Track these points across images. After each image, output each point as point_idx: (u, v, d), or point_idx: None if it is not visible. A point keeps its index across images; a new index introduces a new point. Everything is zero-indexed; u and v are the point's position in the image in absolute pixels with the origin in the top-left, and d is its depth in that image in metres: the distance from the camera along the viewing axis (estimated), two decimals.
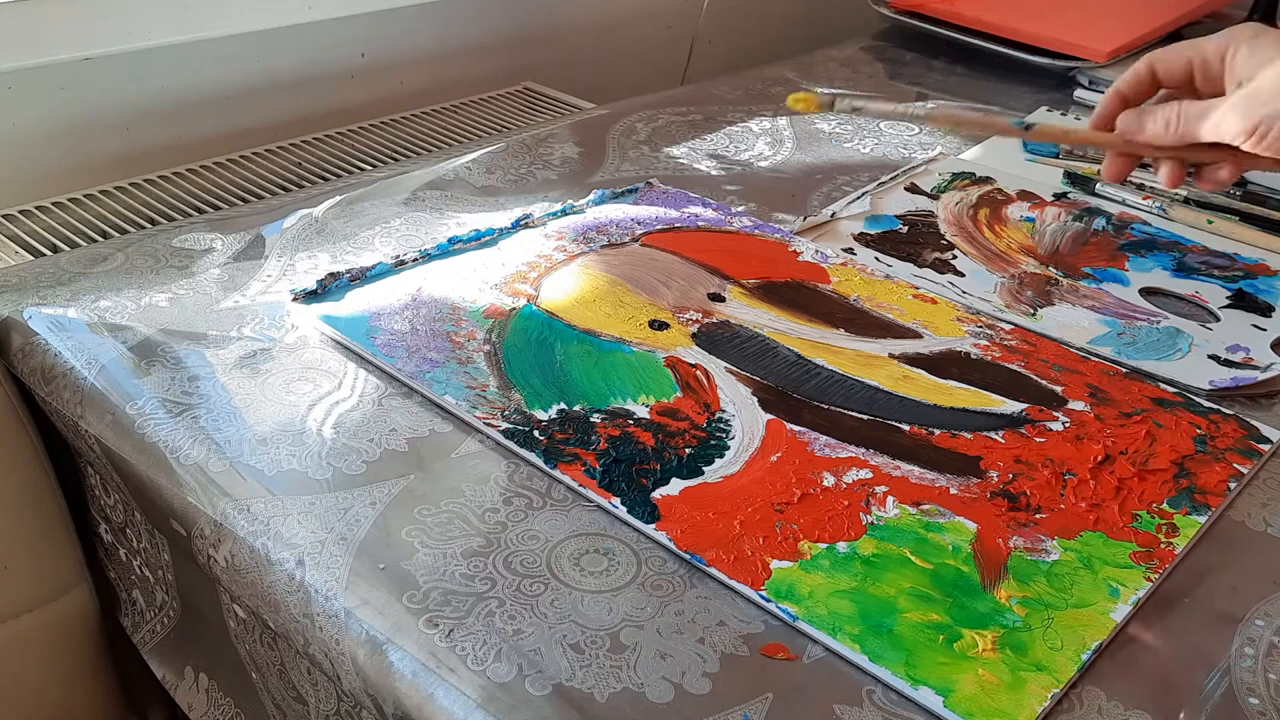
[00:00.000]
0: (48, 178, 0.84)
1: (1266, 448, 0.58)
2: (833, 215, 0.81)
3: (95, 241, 0.76)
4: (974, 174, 0.89)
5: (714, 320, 0.66)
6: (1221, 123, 0.54)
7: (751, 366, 0.62)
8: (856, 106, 0.62)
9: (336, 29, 0.99)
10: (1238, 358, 0.67)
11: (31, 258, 0.73)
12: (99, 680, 0.72)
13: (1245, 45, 0.54)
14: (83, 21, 0.84)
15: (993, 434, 0.58)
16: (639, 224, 0.77)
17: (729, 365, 0.62)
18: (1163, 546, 0.51)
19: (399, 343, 0.61)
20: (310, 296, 0.65)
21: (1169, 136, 0.56)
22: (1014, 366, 0.64)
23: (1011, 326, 0.68)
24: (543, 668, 0.43)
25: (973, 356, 0.65)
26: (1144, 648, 0.47)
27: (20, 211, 0.80)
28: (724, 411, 0.58)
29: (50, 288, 0.66)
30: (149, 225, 0.79)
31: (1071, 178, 0.89)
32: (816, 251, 0.75)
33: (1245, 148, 0.54)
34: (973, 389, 0.62)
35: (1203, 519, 0.53)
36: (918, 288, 0.72)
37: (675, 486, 0.52)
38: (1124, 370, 0.64)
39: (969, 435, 0.58)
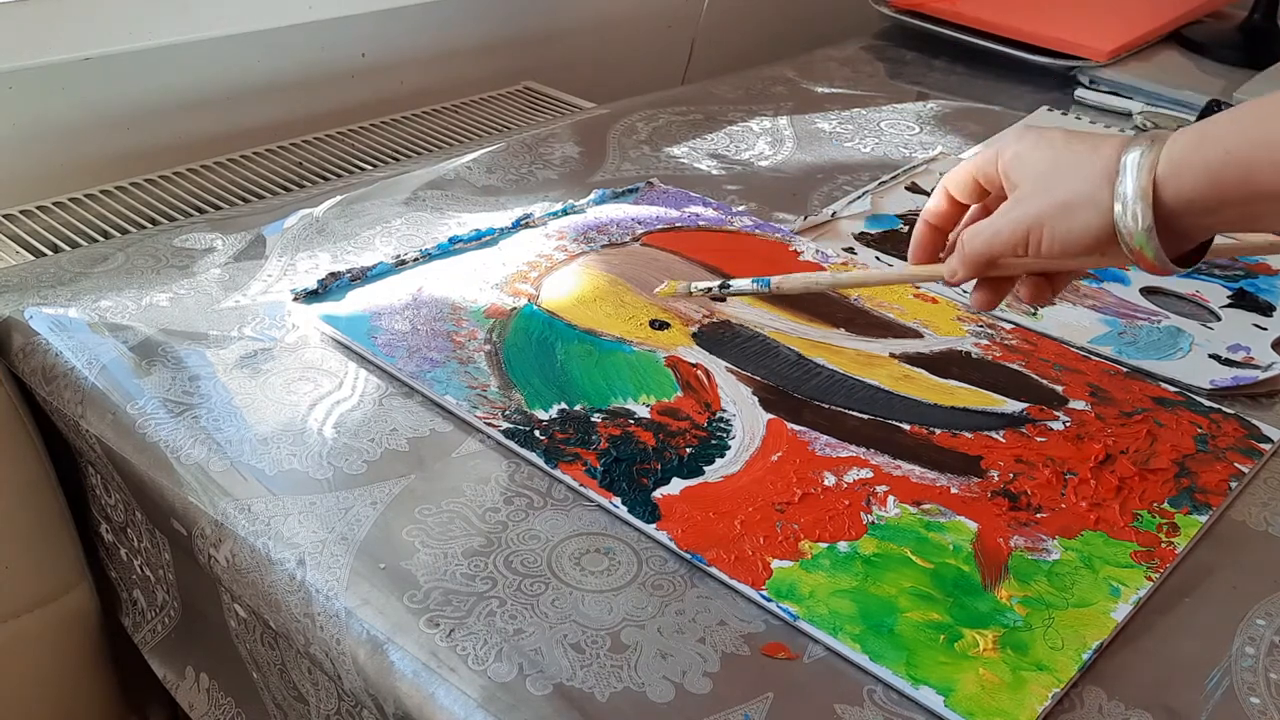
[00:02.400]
0: (48, 178, 0.84)
1: (1267, 447, 0.58)
2: (833, 215, 0.81)
3: (96, 241, 0.76)
4: None
5: (715, 320, 0.66)
6: (995, 240, 0.49)
7: (752, 366, 0.62)
8: (710, 289, 0.61)
9: (336, 29, 0.99)
10: (1238, 357, 0.67)
11: (32, 258, 0.73)
12: (99, 680, 0.72)
13: (1010, 151, 0.50)
14: (83, 21, 0.84)
15: (993, 433, 0.58)
16: (639, 224, 0.77)
17: (730, 365, 0.62)
18: (1163, 546, 0.51)
19: (399, 342, 0.61)
20: (311, 296, 0.65)
21: (969, 270, 0.51)
22: (1015, 366, 0.64)
23: (1012, 326, 0.68)
24: (543, 667, 0.43)
25: (973, 356, 0.65)
26: (1145, 647, 0.47)
27: (20, 211, 0.80)
28: (724, 411, 0.58)
29: (51, 288, 0.66)
30: (149, 225, 0.79)
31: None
32: (817, 251, 0.75)
33: (1029, 262, 0.49)
34: (973, 388, 0.62)
35: (1203, 518, 0.53)
36: (918, 287, 0.72)
37: (676, 486, 0.52)
38: (1125, 370, 0.64)
39: (970, 435, 0.58)
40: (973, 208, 0.54)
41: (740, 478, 0.53)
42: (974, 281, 0.53)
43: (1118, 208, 0.46)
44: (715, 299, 0.63)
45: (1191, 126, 0.46)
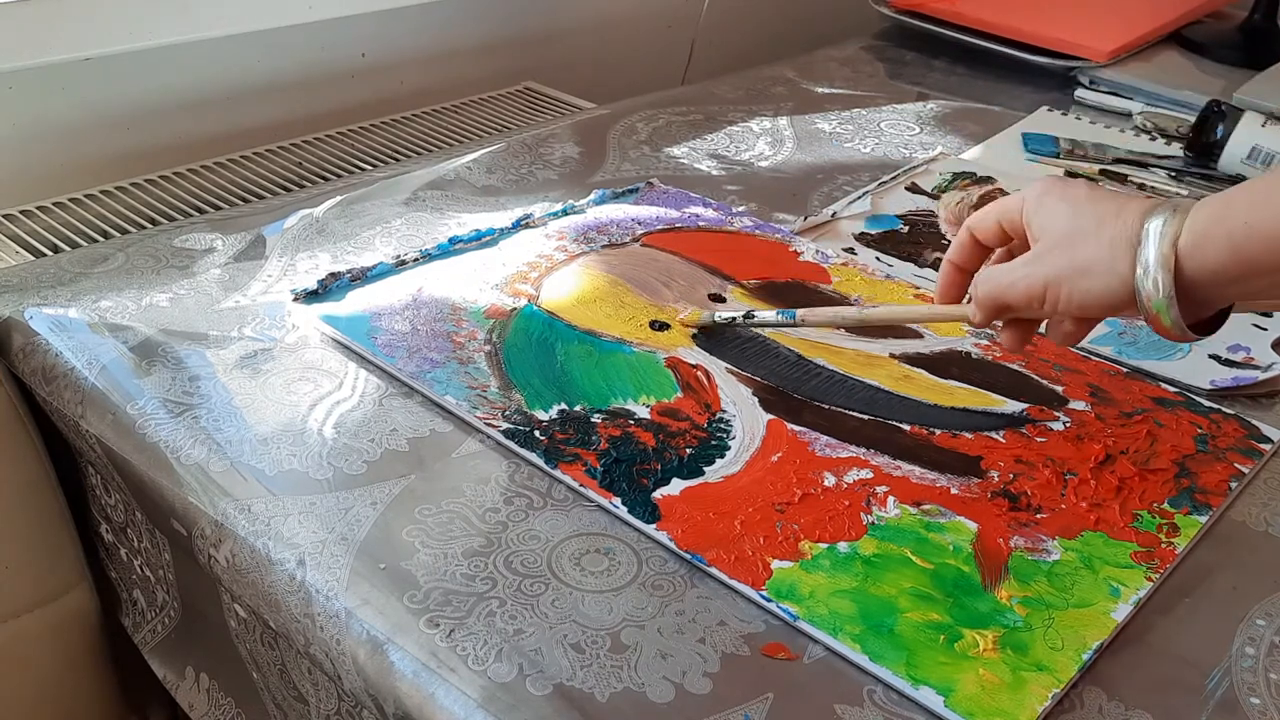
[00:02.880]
0: (48, 178, 0.84)
1: (1267, 447, 0.58)
2: (833, 215, 0.81)
3: (96, 241, 0.76)
4: (975, 173, 0.89)
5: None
6: (1010, 291, 0.49)
7: (752, 366, 0.62)
8: (734, 319, 0.62)
9: (337, 29, 0.99)
10: (1238, 357, 0.67)
11: (32, 258, 0.73)
12: (99, 680, 0.72)
13: (1034, 202, 0.50)
14: (83, 21, 0.84)
15: (993, 434, 0.58)
16: (639, 224, 0.77)
17: (729, 365, 0.62)
18: (1163, 546, 0.51)
19: (399, 343, 0.61)
20: (311, 296, 0.65)
21: (985, 314, 0.51)
22: (1014, 366, 0.64)
23: None
24: (543, 667, 0.43)
25: (973, 356, 0.65)
26: (1145, 647, 0.47)
27: (20, 211, 0.80)
28: (724, 411, 0.58)
29: (51, 288, 0.66)
30: (149, 225, 0.79)
31: (1072, 178, 0.89)
32: (817, 251, 0.75)
33: (1044, 312, 0.49)
34: (973, 389, 0.62)
35: (1203, 519, 0.53)
36: (919, 288, 0.72)
37: (676, 486, 0.52)
38: (1125, 370, 0.64)
39: (970, 435, 0.58)
40: (997, 252, 0.54)
41: (740, 478, 0.53)
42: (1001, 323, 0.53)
43: (1139, 273, 0.46)
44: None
45: (1215, 196, 0.46)
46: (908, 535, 0.51)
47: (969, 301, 0.54)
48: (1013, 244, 0.53)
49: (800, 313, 0.59)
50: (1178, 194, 0.85)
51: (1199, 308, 0.47)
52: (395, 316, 0.64)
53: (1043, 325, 0.53)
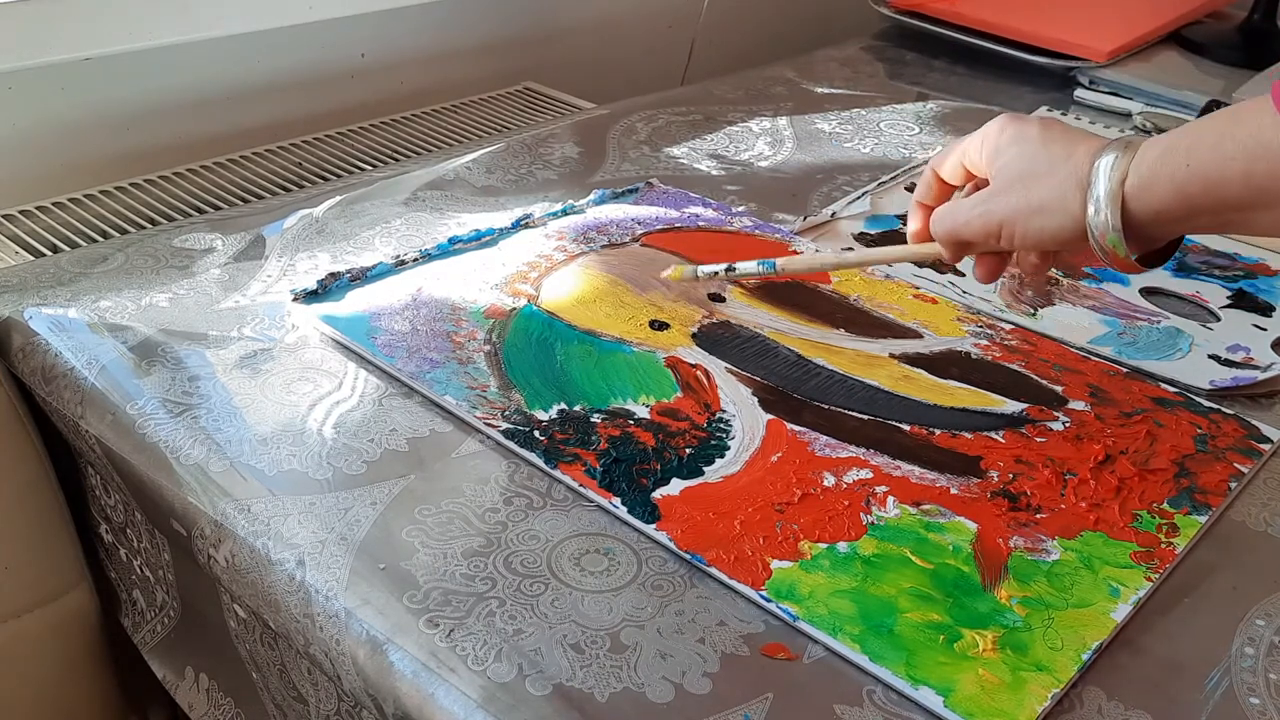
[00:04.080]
0: (48, 178, 0.84)
1: (1267, 447, 0.58)
2: (833, 215, 0.81)
3: (95, 241, 0.76)
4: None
5: (714, 320, 0.66)
6: (966, 229, 0.52)
7: (752, 366, 0.62)
8: (716, 272, 0.62)
9: (336, 29, 0.99)
10: (1238, 357, 0.67)
11: (31, 258, 0.73)
12: (99, 680, 0.72)
13: (992, 141, 0.52)
14: (83, 21, 0.84)
15: (993, 434, 0.58)
16: (639, 224, 0.77)
17: (729, 365, 0.62)
18: (1163, 546, 0.51)
19: (399, 343, 0.61)
20: (310, 296, 0.65)
21: (947, 251, 0.54)
22: (1014, 366, 0.64)
23: (1012, 326, 0.68)
24: (543, 668, 0.43)
25: (973, 356, 0.65)
26: (1144, 648, 0.47)
27: (20, 211, 0.80)
28: (724, 411, 0.58)
29: (50, 288, 0.66)
30: (149, 225, 0.79)
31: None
32: (817, 251, 0.75)
33: (1004, 249, 0.52)
34: (973, 389, 0.62)
35: (1203, 519, 0.53)
36: (918, 288, 0.72)
37: (675, 486, 0.52)
38: (1124, 370, 0.64)
39: (969, 435, 0.58)
40: (967, 187, 0.56)
41: (740, 478, 0.53)
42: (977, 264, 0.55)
43: (1090, 211, 0.47)
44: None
45: (1161, 137, 0.47)
46: (907, 535, 0.51)
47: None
48: (976, 180, 0.54)
49: (779, 262, 0.59)
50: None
51: (1148, 242, 0.49)
52: (395, 316, 0.64)
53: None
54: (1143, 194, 0.47)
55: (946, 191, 0.56)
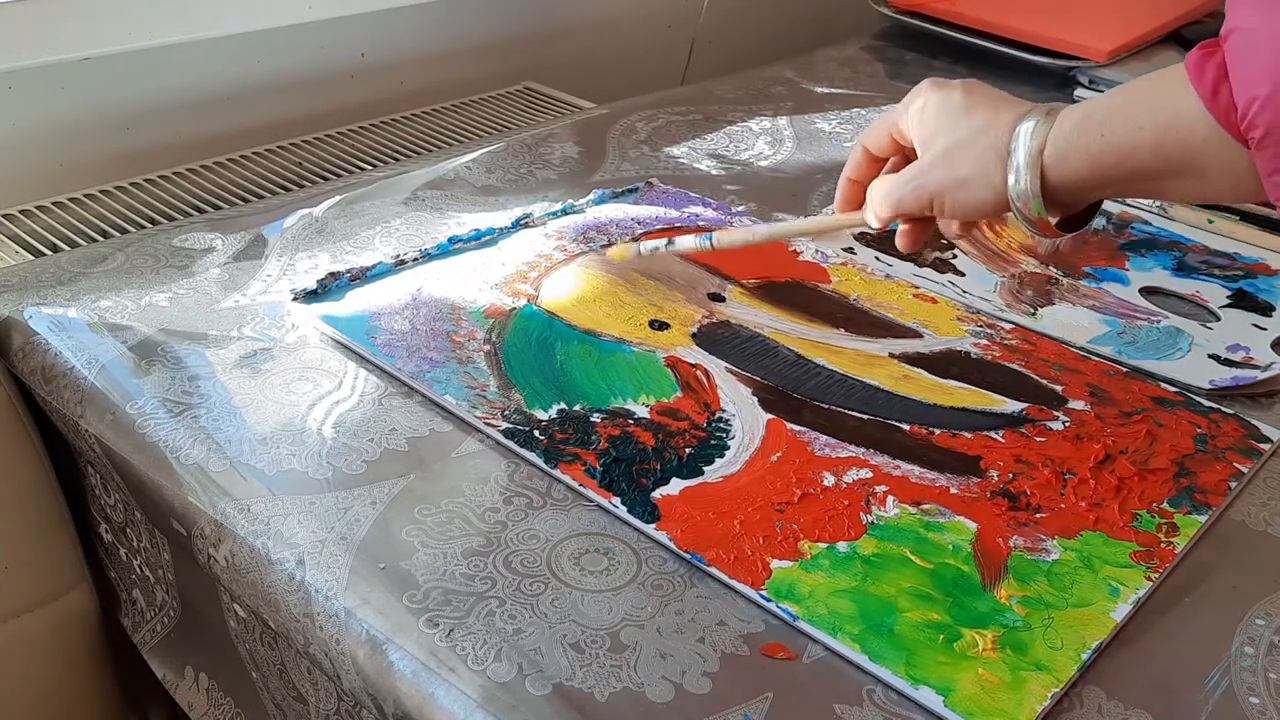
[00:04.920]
0: (48, 178, 0.84)
1: (1267, 447, 0.58)
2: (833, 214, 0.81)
3: (95, 241, 0.76)
4: None
5: (714, 320, 0.66)
6: (892, 196, 0.53)
7: (752, 366, 0.62)
8: (649, 250, 0.65)
9: (336, 29, 0.99)
10: (1238, 357, 0.67)
11: (31, 258, 0.73)
12: (99, 680, 0.72)
13: (917, 114, 0.53)
14: (83, 21, 0.84)
15: (993, 433, 0.58)
16: (639, 224, 0.77)
17: (729, 365, 0.62)
18: (1163, 546, 0.51)
19: (399, 342, 0.61)
20: (310, 296, 0.65)
21: (881, 221, 0.55)
22: (1014, 366, 0.64)
23: (1012, 326, 0.68)
24: (543, 667, 0.43)
25: (973, 356, 0.65)
26: (1144, 647, 0.47)
27: (20, 211, 0.80)
28: (724, 411, 0.58)
29: (50, 288, 0.66)
30: (149, 225, 0.79)
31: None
32: (816, 251, 0.75)
33: (935, 216, 0.53)
34: (973, 388, 0.62)
35: (1203, 518, 0.53)
36: (918, 287, 0.72)
37: (675, 486, 0.52)
38: (1124, 370, 0.64)
39: (969, 435, 0.58)
40: (891, 160, 0.57)
41: (740, 478, 0.53)
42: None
43: (1011, 179, 0.49)
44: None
45: (1080, 105, 0.49)
46: (907, 535, 0.51)
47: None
48: (905, 151, 0.55)
49: (716, 235, 0.61)
50: None
51: (1067, 207, 0.51)
52: (395, 316, 0.64)
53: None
54: (1059, 165, 0.48)
55: (875, 166, 0.57)
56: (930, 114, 0.52)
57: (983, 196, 0.50)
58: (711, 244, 0.61)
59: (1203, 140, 0.44)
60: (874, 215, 0.55)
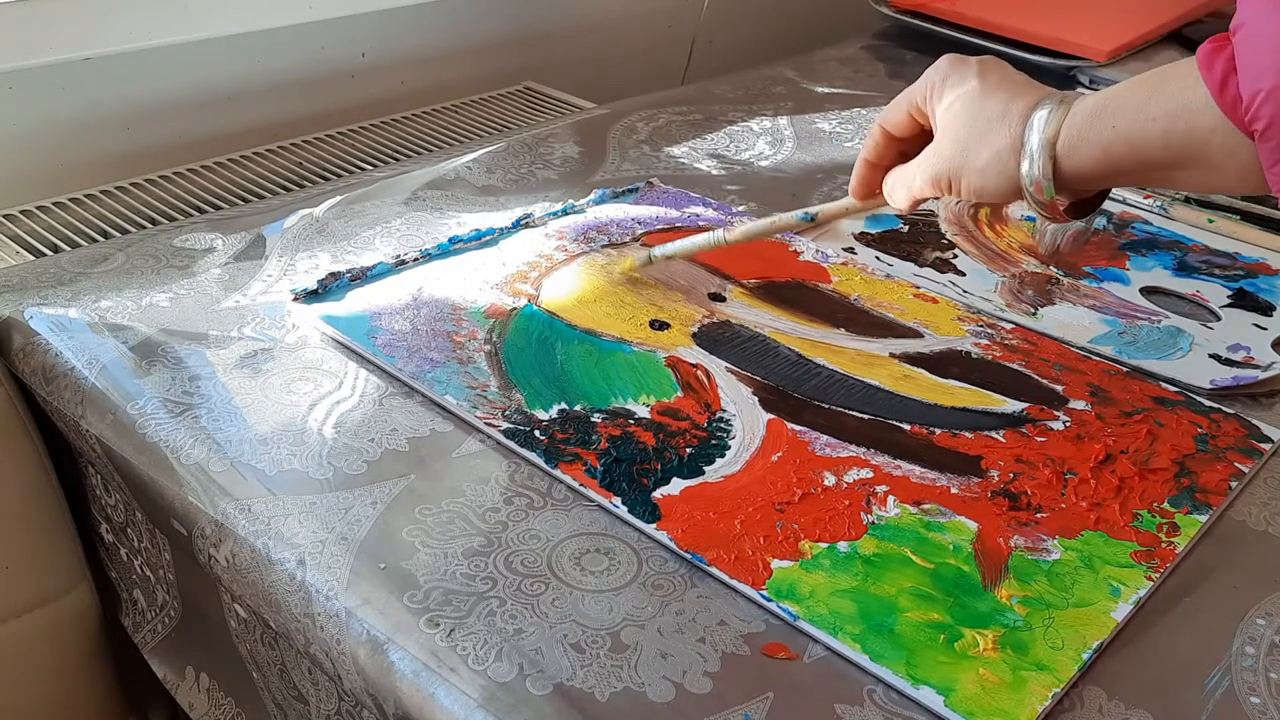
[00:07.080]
0: (48, 178, 0.84)
1: (1267, 447, 0.58)
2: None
3: (95, 241, 0.76)
4: None
5: (714, 320, 0.66)
6: (913, 184, 0.55)
7: (752, 366, 0.62)
8: (667, 254, 0.68)
9: (336, 29, 0.99)
10: (1239, 357, 0.67)
11: (32, 258, 0.73)
12: (99, 680, 0.72)
13: (936, 95, 0.54)
14: (83, 21, 0.84)
15: (993, 433, 0.58)
16: (640, 224, 0.77)
17: (729, 365, 0.62)
18: (1164, 546, 0.51)
19: (399, 342, 0.61)
20: (311, 296, 0.65)
21: (905, 207, 0.57)
22: (1015, 366, 0.64)
23: (1012, 326, 0.68)
24: (544, 667, 0.43)
25: (973, 356, 0.65)
26: (1145, 647, 0.47)
27: (20, 211, 0.80)
28: (725, 411, 0.58)
29: (51, 288, 0.66)
30: (149, 225, 0.79)
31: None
32: (817, 251, 0.75)
33: (947, 202, 0.54)
34: (973, 388, 0.62)
35: (1204, 518, 0.53)
36: (918, 287, 0.72)
37: (676, 486, 0.52)
38: (1125, 369, 0.64)
39: (970, 435, 0.58)
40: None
41: (740, 478, 0.53)
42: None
43: (1024, 165, 0.50)
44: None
45: (1094, 95, 0.50)
46: (908, 535, 0.51)
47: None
48: (927, 128, 0.56)
49: (724, 233, 0.62)
50: (1176, 193, 0.85)
51: (1076, 194, 0.52)
52: (395, 316, 0.64)
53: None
54: (1072, 154, 0.49)
55: (894, 147, 0.58)
56: (949, 97, 0.53)
57: (996, 185, 0.52)
58: (722, 241, 0.61)
59: (1209, 131, 0.45)
60: (899, 203, 0.57)
